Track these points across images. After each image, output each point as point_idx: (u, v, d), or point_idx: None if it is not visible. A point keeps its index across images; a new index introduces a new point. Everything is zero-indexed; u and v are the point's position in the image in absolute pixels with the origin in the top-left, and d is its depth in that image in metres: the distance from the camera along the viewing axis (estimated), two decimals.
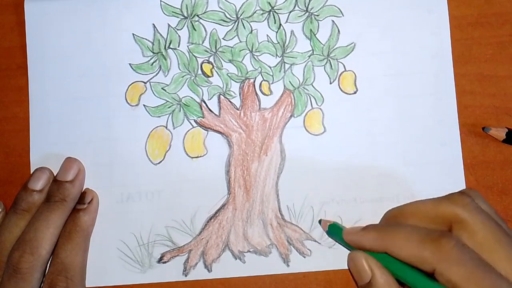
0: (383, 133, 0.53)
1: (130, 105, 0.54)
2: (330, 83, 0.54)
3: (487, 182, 0.53)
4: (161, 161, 0.53)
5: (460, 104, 0.53)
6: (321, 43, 0.54)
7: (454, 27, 0.54)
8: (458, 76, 0.53)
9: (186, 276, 0.52)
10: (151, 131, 0.53)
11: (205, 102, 0.54)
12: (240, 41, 0.54)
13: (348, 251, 0.47)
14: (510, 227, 0.44)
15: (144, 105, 0.54)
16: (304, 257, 0.52)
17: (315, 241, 0.52)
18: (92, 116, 0.53)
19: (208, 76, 0.54)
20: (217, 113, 0.54)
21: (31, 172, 0.52)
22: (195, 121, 0.54)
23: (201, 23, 0.54)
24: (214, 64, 0.54)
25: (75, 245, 0.49)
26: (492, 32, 0.54)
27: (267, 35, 0.54)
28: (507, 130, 0.52)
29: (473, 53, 0.54)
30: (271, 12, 0.54)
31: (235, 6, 0.54)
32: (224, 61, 0.54)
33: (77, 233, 0.49)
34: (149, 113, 0.53)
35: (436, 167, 0.52)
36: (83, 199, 0.51)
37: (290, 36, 0.54)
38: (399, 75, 0.53)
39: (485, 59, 0.54)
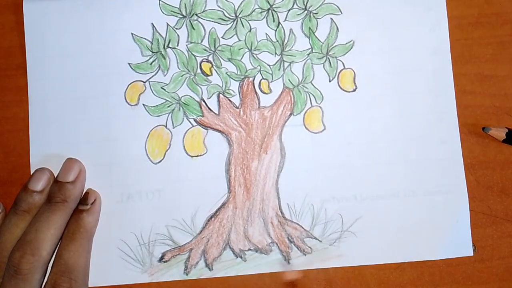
0: (383, 130, 0.53)
1: (130, 105, 0.53)
2: (330, 81, 0.54)
3: (487, 182, 0.53)
4: (161, 161, 0.53)
5: (460, 104, 0.53)
6: (320, 41, 0.54)
7: (454, 27, 0.54)
8: (458, 76, 0.53)
9: (187, 275, 0.52)
10: (150, 131, 0.53)
11: (204, 101, 0.54)
12: (239, 40, 0.54)
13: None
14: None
15: (143, 105, 0.53)
16: (305, 254, 0.52)
17: (316, 238, 0.52)
18: (92, 116, 0.53)
19: (207, 75, 0.54)
20: (217, 112, 0.54)
21: (31, 172, 0.52)
22: (194, 120, 0.54)
23: (200, 22, 0.54)
24: (213, 63, 0.54)
25: (78, 246, 0.49)
26: (492, 32, 0.54)
27: (266, 34, 0.54)
28: (507, 130, 0.52)
29: (473, 53, 0.54)
30: (270, 11, 0.54)
31: (233, 4, 0.54)
32: (223, 59, 0.54)
33: (81, 234, 0.49)
34: (148, 113, 0.53)
35: (436, 164, 0.53)
36: (86, 200, 0.51)
37: (289, 34, 0.54)
38: (398, 73, 0.53)
39: (485, 59, 0.54)
